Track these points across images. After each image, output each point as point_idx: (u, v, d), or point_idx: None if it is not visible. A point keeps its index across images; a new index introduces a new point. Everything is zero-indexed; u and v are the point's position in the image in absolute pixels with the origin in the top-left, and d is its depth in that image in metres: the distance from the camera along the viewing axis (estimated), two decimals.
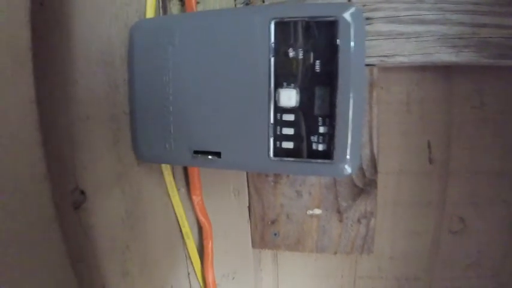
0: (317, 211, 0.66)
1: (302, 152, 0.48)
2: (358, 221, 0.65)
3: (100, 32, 0.53)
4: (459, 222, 0.71)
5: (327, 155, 0.47)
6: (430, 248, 0.72)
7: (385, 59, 0.56)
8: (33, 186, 0.40)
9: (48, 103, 0.46)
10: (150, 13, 0.59)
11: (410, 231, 0.72)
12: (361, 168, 0.62)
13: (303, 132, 0.47)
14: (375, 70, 0.58)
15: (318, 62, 0.45)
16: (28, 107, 0.39)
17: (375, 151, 0.61)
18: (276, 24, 0.46)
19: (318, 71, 0.45)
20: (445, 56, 0.55)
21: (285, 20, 0.46)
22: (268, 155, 0.49)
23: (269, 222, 0.69)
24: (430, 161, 0.67)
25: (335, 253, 0.68)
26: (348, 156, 0.46)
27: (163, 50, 0.52)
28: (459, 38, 0.55)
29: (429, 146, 0.66)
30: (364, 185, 0.63)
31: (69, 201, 0.49)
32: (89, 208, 0.51)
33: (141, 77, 0.54)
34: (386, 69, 0.61)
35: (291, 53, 0.46)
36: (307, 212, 0.66)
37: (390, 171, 0.68)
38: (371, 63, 0.57)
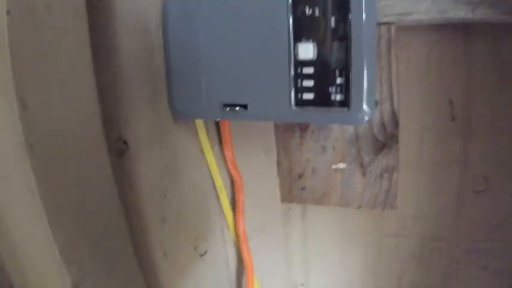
0: (341, 165, 0.70)
1: (321, 101, 0.52)
2: (381, 175, 0.69)
3: (137, 4, 0.59)
4: (483, 182, 0.72)
5: (344, 103, 0.51)
6: (454, 208, 0.74)
7: (402, 17, 0.59)
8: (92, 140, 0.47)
9: (94, 64, 0.53)
10: None
11: (433, 190, 0.74)
12: (382, 123, 0.66)
13: (322, 84, 0.52)
14: (393, 28, 0.61)
15: (333, 18, 0.49)
16: (87, 70, 0.46)
17: (395, 106, 0.64)
18: None
19: (333, 27, 0.50)
20: (461, 12, 0.58)
21: None
22: (290, 105, 0.53)
23: (296, 177, 0.73)
24: (453, 118, 0.69)
25: (359, 207, 0.72)
26: (363, 105, 0.50)
27: (193, 16, 0.57)
28: None
29: (451, 104, 0.68)
30: (386, 140, 0.67)
31: (114, 149, 0.55)
32: (131, 156, 0.57)
33: (174, 42, 0.60)
34: (405, 28, 0.64)
35: (308, 11, 0.50)
36: (332, 167, 0.71)
37: (413, 129, 0.70)
38: (389, 21, 0.60)
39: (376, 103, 0.61)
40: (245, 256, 0.77)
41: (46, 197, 0.38)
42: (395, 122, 0.65)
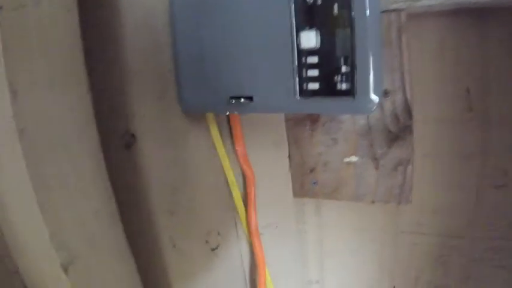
0: (353, 158, 0.68)
1: (326, 91, 0.51)
2: (395, 168, 0.67)
3: (144, 0, 0.60)
4: (503, 176, 0.68)
5: (350, 92, 0.50)
6: (473, 204, 0.70)
7: (413, 3, 0.57)
8: (83, 128, 0.47)
9: (103, 58, 0.54)
10: None
11: (451, 185, 0.71)
12: (394, 114, 0.64)
13: (326, 73, 0.50)
14: (403, 14, 0.59)
15: (335, 5, 0.48)
16: (77, 62, 0.46)
17: (408, 96, 0.62)
18: None
19: (336, 14, 0.48)
20: None
21: None
22: (295, 95, 0.52)
23: (308, 171, 0.72)
24: (470, 108, 0.66)
25: (373, 202, 0.70)
26: (370, 93, 0.49)
27: (199, 11, 0.57)
28: None
29: (468, 93, 0.66)
30: (399, 131, 0.65)
31: (121, 142, 0.56)
32: (139, 149, 0.58)
33: (181, 38, 0.60)
34: (418, 15, 0.62)
35: None
36: (344, 160, 0.69)
37: (428, 120, 0.68)
38: (398, 8, 0.58)
39: (386, 92, 0.60)
40: (257, 252, 0.76)
41: (36, 182, 0.39)
42: (409, 113, 0.63)
